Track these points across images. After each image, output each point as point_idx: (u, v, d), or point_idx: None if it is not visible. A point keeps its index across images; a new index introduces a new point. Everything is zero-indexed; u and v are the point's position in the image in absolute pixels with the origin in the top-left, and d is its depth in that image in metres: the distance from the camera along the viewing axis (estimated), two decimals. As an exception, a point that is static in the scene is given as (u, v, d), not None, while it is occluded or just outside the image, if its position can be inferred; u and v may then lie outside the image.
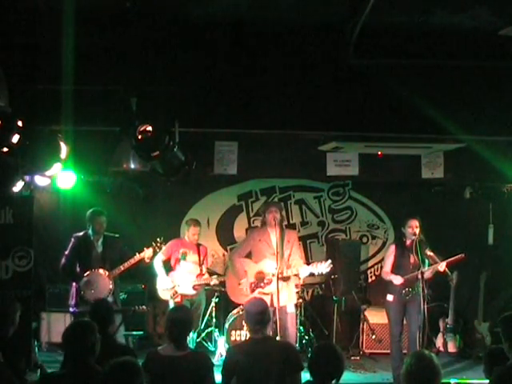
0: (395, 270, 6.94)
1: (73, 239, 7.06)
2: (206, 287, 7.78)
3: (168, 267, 7.61)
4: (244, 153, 7.42)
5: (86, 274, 6.87)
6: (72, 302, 6.90)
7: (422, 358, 3.38)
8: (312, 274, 6.82)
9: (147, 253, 7.04)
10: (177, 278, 7.50)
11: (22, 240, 6.81)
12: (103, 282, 6.87)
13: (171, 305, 7.39)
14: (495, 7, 4.99)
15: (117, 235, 7.22)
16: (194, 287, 7.46)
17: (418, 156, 7.61)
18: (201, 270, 7.57)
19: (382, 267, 9.22)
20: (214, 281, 7.54)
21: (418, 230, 6.79)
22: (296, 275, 6.89)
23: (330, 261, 6.68)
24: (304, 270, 6.72)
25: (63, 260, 7.01)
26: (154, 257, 7.30)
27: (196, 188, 8.85)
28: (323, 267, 6.58)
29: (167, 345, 4.37)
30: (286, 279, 6.82)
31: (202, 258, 7.64)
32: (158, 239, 7.20)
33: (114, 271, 6.92)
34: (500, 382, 3.44)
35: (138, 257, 6.99)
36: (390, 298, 6.92)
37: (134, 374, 3.44)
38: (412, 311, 6.77)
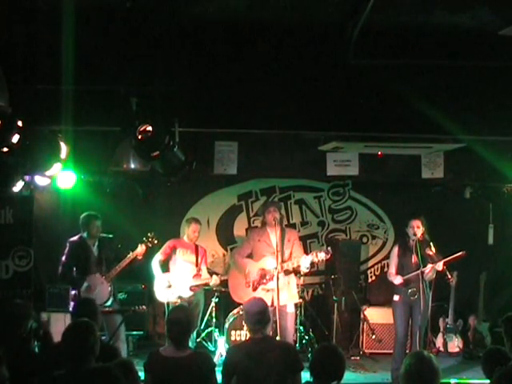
0: (399, 270, 6.95)
1: (68, 245, 6.99)
2: (206, 287, 7.76)
3: (165, 268, 7.58)
4: (244, 153, 7.42)
5: (85, 280, 6.85)
6: (71, 304, 6.88)
7: (422, 359, 3.37)
8: (313, 264, 6.81)
9: (139, 249, 7.02)
10: (173, 278, 7.47)
11: (22, 240, 6.81)
12: (103, 285, 6.86)
13: (169, 306, 7.36)
14: (495, 7, 4.98)
15: (110, 235, 7.18)
16: (190, 288, 7.44)
17: (418, 156, 7.62)
18: (197, 271, 7.54)
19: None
20: (214, 280, 7.50)
21: (419, 231, 6.80)
22: (298, 268, 6.87)
23: (329, 248, 6.69)
24: (305, 261, 6.70)
25: (61, 268, 6.96)
26: (151, 256, 7.26)
27: (196, 188, 8.85)
28: (323, 255, 6.59)
29: (168, 345, 4.36)
30: (288, 273, 6.83)
31: (199, 259, 7.60)
32: (149, 234, 7.15)
33: (110, 273, 6.90)
34: (501, 382, 3.43)
35: (131, 255, 6.96)
36: (396, 297, 6.94)
37: (131, 374, 3.44)
38: (416, 311, 6.78)
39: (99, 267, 6.94)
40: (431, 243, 6.87)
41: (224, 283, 7.60)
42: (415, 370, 3.32)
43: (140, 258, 7.06)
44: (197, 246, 7.66)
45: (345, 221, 9.38)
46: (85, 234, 7.02)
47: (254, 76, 5.78)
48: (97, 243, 7.04)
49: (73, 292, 6.87)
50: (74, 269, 6.94)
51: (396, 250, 7.08)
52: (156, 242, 7.23)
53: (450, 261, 6.77)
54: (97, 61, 5.51)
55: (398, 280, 6.87)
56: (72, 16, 4.91)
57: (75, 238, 7.04)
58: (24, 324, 4.72)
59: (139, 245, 7.04)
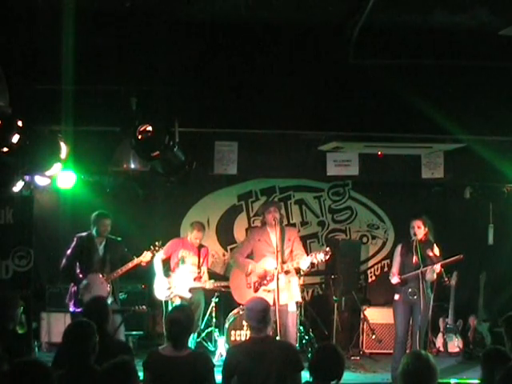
0: (401, 269, 6.96)
1: (75, 239, 7.00)
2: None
3: (167, 267, 7.60)
4: (244, 153, 7.42)
5: (86, 278, 6.85)
6: (70, 302, 6.89)
7: (419, 358, 3.38)
8: (313, 265, 6.83)
9: (146, 256, 7.02)
10: (175, 279, 7.48)
11: (22, 240, 6.82)
12: (101, 285, 6.85)
13: (168, 306, 7.37)
14: (495, 7, 4.99)
15: (119, 238, 7.18)
16: (189, 290, 7.45)
17: (418, 156, 7.62)
18: (198, 273, 7.55)
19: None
20: (209, 285, 7.54)
21: (420, 231, 6.79)
22: (298, 268, 6.89)
23: (328, 248, 6.70)
24: (304, 262, 6.73)
25: (64, 260, 6.97)
26: (152, 260, 7.29)
27: (196, 188, 8.83)
28: (322, 255, 6.61)
29: (168, 345, 4.36)
30: (288, 273, 6.83)
31: (201, 260, 7.61)
32: (157, 242, 7.14)
33: (111, 274, 6.90)
34: (503, 382, 3.43)
35: (136, 261, 6.97)
36: (396, 297, 6.95)
37: (129, 374, 3.44)
38: (417, 312, 6.78)
39: (102, 267, 6.93)
40: (434, 244, 6.88)
41: (218, 288, 7.68)
42: (412, 369, 3.32)
43: (144, 264, 7.08)
44: (199, 247, 7.68)
45: (345, 221, 9.38)
46: (94, 232, 7.02)
47: (254, 76, 5.78)
48: (104, 243, 7.03)
49: (72, 288, 6.87)
50: (78, 264, 6.94)
51: (399, 249, 7.09)
52: (161, 250, 7.26)
53: (447, 263, 6.77)
54: (97, 61, 5.51)
55: (394, 279, 6.90)
56: (72, 16, 4.91)
57: (84, 233, 7.05)
58: (10, 314, 4.74)
59: (145, 252, 7.04)
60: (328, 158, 7.56)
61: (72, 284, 6.92)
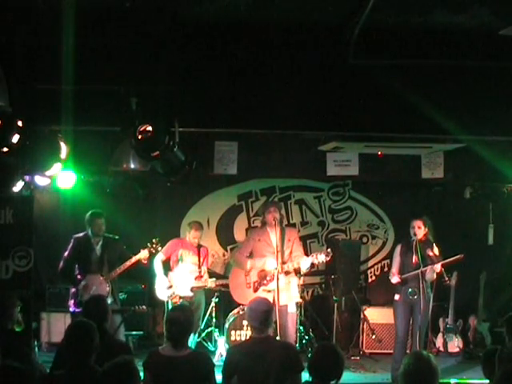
0: (401, 269, 6.97)
1: (72, 240, 7.01)
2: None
3: (167, 267, 7.60)
4: (244, 153, 7.42)
5: (84, 279, 6.85)
6: (70, 302, 6.89)
7: (420, 359, 3.37)
8: (313, 265, 6.84)
9: (142, 254, 7.01)
10: (175, 278, 7.49)
11: (22, 240, 6.81)
12: (101, 285, 6.85)
13: (169, 306, 7.39)
14: (495, 7, 4.99)
15: (117, 237, 7.18)
16: (191, 289, 7.46)
17: (418, 156, 7.62)
18: (199, 272, 7.56)
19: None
20: (210, 284, 7.56)
21: (420, 231, 6.80)
22: (298, 269, 6.90)
23: (329, 249, 6.71)
24: (305, 262, 6.74)
25: (62, 263, 6.97)
26: (153, 258, 7.30)
27: (196, 188, 8.85)
28: (323, 256, 6.62)
29: (167, 344, 4.36)
30: (288, 273, 6.84)
31: (202, 260, 7.62)
32: (154, 240, 7.16)
33: (110, 274, 6.90)
34: (505, 381, 3.42)
35: (133, 259, 6.97)
36: (396, 297, 6.96)
37: (131, 374, 3.44)
38: (417, 312, 6.78)
39: (100, 267, 6.93)
40: (434, 244, 6.88)
41: (219, 287, 7.72)
42: (414, 369, 3.32)
43: (145, 262, 7.08)
44: (199, 247, 7.68)
45: (345, 221, 9.38)
46: (89, 232, 7.02)
47: (254, 76, 5.78)
48: (101, 243, 7.03)
49: (72, 290, 6.88)
50: (76, 266, 6.94)
51: (399, 248, 7.10)
52: (160, 248, 7.27)
53: (447, 263, 6.78)
54: (97, 61, 5.51)
55: (394, 279, 6.91)
56: (72, 16, 4.91)
57: (80, 234, 7.06)
58: (8, 313, 4.75)
59: (142, 250, 7.04)
60: (328, 157, 7.57)
61: (71, 285, 6.92)
